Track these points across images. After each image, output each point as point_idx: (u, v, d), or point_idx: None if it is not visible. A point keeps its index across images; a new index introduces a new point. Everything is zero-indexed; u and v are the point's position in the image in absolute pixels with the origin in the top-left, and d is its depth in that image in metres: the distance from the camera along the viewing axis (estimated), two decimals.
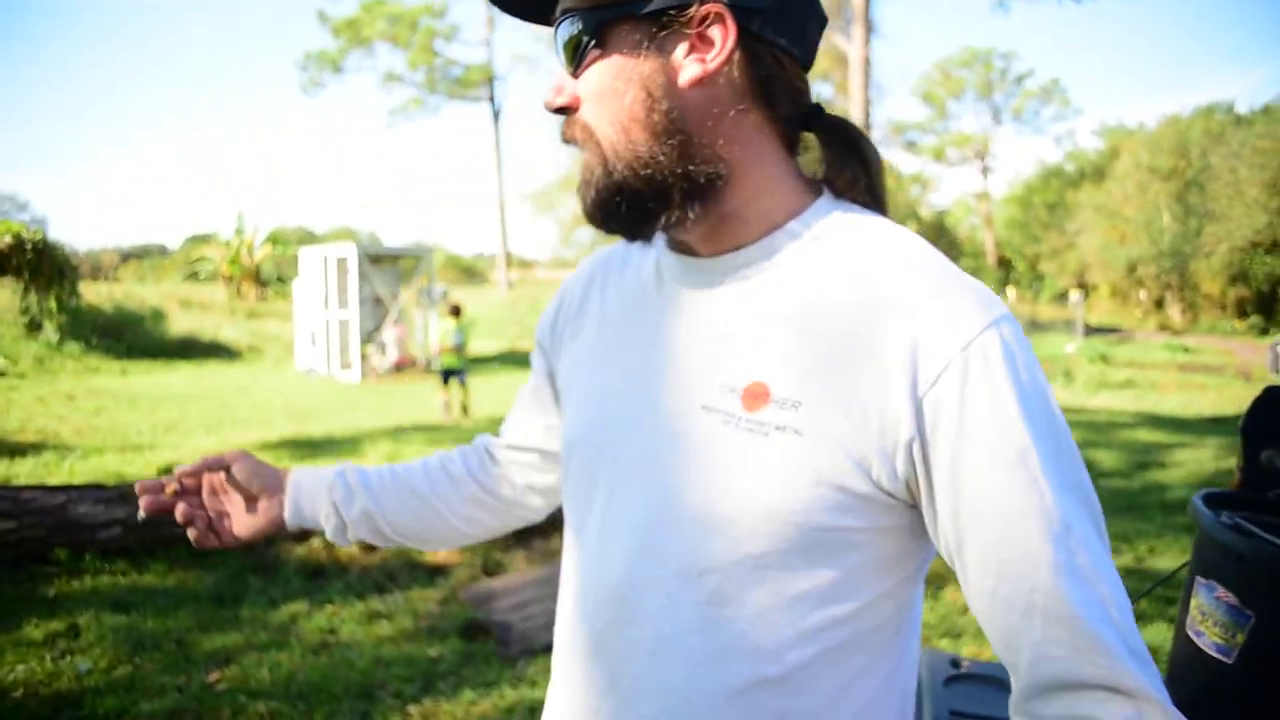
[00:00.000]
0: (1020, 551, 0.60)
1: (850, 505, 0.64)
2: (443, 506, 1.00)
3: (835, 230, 0.70)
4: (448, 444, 7.39)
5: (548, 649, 3.26)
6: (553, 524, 3.95)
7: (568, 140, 0.72)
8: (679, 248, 0.76)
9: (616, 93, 0.67)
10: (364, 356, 14.01)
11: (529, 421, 0.97)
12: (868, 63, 15.88)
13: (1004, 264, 43.66)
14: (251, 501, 0.97)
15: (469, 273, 52.49)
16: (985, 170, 45.60)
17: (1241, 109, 37.78)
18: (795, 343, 0.67)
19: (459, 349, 9.88)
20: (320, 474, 0.98)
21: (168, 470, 5.92)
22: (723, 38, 0.66)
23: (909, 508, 0.66)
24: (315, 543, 4.39)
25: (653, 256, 0.81)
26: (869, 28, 15.90)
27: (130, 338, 15.37)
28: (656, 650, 0.70)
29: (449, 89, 33.02)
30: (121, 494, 4.22)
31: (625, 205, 0.69)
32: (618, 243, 0.84)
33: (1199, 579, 1.08)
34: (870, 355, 0.63)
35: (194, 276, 26.53)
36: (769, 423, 0.65)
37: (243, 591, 3.93)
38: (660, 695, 0.70)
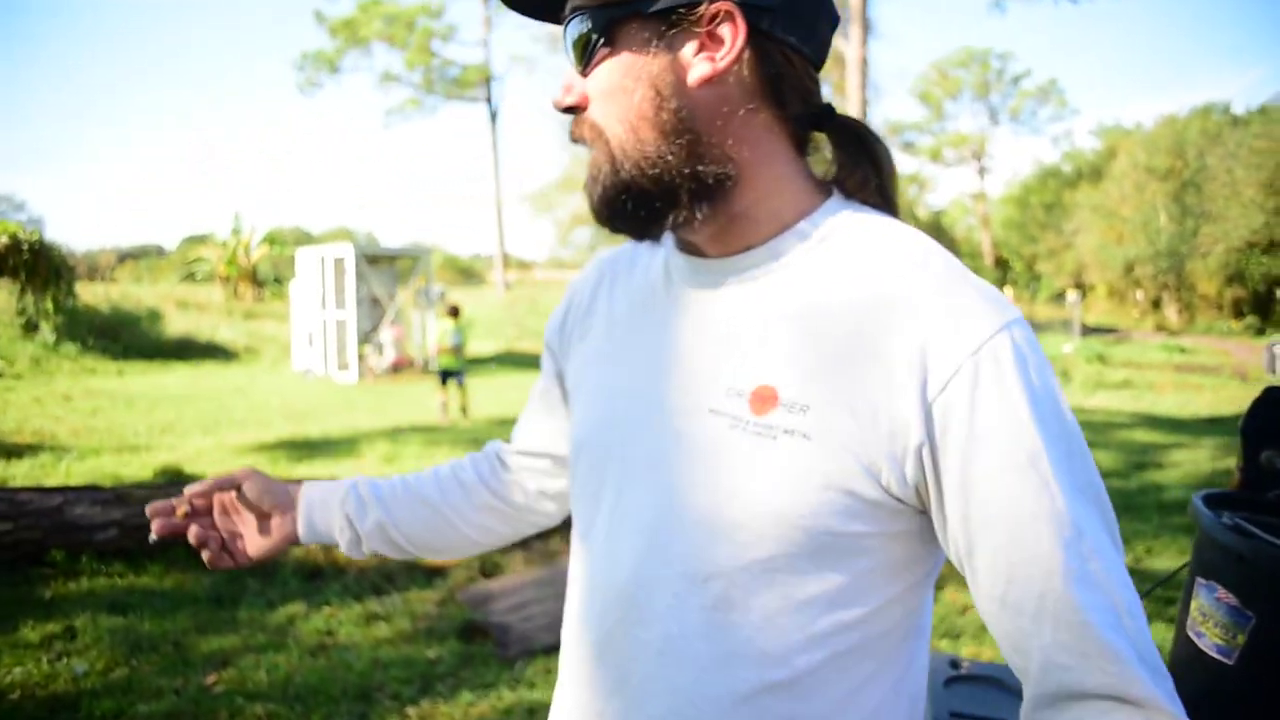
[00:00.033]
0: (1031, 555, 0.59)
1: (859, 510, 0.64)
2: (455, 515, 0.99)
3: (844, 231, 0.70)
4: (445, 445, 7.40)
5: (546, 650, 3.28)
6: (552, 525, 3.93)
7: (576, 139, 0.72)
8: (687, 248, 0.76)
9: (625, 91, 0.67)
10: (361, 357, 14.00)
11: (539, 426, 0.97)
12: (865, 63, 15.86)
13: (1001, 264, 43.61)
14: (264, 519, 0.96)
15: (466, 273, 52.37)
16: (982, 170, 45.61)
17: (1238, 109, 38.03)
18: (802, 344, 0.66)
19: (457, 350, 9.87)
20: (332, 488, 0.97)
21: (165, 471, 5.90)
22: (732, 36, 0.65)
23: (918, 513, 0.65)
24: (312, 544, 4.38)
25: (661, 256, 0.80)
26: (866, 27, 15.89)
27: (127, 338, 15.33)
28: (665, 651, 0.70)
29: (446, 89, 32.93)
30: (118, 495, 4.20)
31: (632, 204, 0.69)
32: (626, 243, 0.84)
33: (1199, 580, 1.08)
34: (878, 357, 0.63)
35: (191, 277, 26.41)
36: (777, 426, 0.65)
37: (240, 593, 3.92)
38: (668, 696, 0.70)
